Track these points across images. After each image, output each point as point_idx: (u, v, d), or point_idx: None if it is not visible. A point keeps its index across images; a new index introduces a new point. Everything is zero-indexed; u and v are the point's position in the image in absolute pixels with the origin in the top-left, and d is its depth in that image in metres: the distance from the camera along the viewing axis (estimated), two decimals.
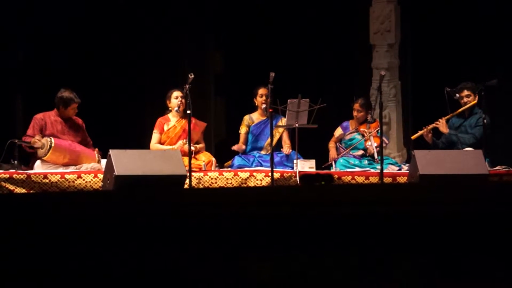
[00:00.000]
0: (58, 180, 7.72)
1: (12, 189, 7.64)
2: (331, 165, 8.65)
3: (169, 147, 8.39)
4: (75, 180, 7.76)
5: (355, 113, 8.80)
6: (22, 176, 7.70)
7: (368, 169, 8.40)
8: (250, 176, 8.06)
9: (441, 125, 8.62)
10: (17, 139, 8.04)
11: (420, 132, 8.61)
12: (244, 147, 8.79)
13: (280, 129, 8.72)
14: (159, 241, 3.27)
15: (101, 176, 7.69)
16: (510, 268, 3.13)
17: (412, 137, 8.67)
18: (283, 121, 8.54)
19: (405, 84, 10.14)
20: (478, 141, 8.48)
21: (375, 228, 3.28)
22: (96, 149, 8.32)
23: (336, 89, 10.18)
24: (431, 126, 8.62)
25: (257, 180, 8.03)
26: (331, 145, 8.87)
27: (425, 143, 8.66)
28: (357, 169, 8.40)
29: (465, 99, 8.63)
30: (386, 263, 3.17)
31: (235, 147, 8.76)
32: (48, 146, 7.95)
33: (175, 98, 8.52)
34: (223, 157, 8.88)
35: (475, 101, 8.61)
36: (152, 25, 10.45)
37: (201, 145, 8.58)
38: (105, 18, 10.28)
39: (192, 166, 7.81)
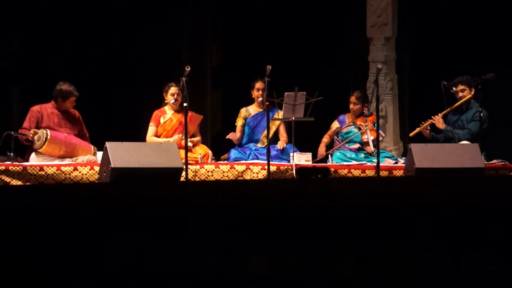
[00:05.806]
0: (54, 172, 7.71)
1: (8, 181, 7.63)
2: (326, 157, 8.63)
3: (166, 140, 8.38)
4: (71, 172, 7.75)
5: (351, 106, 8.79)
6: (18, 168, 7.69)
7: (364, 162, 8.40)
8: (246, 169, 8.05)
9: (437, 121, 8.61)
10: (13, 131, 8.02)
11: (417, 129, 8.60)
12: (238, 135, 8.74)
13: (277, 122, 8.71)
14: (155, 233, 3.27)
15: (97, 168, 7.68)
16: (506, 260, 3.14)
17: (410, 135, 8.65)
18: (279, 114, 8.52)
19: (401, 77, 10.14)
20: (473, 136, 8.47)
21: (371, 221, 3.28)
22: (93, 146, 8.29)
23: (333, 82, 10.18)
24: (428, 123, 8.61)
25: (253, 173, 8.02)
26: (324, 139, 8.84)
27: (424, 138, 8.65)
28: (354, 162, 8.40)
29: (460, 94, 8.63)
30: (382, 256, 3.17)
31: (229, 136, 8.72)
32: (44, 138, 7.93)
33: (172, 95, 8.50)
34: (220, 150, 8.87)
35: (470, 96, 8.61)
36: (149, 18, 10.43)
37: (198, 138, 8.56)
38: (103, 10, 10.26)
39: (188, 159, 7.80)
